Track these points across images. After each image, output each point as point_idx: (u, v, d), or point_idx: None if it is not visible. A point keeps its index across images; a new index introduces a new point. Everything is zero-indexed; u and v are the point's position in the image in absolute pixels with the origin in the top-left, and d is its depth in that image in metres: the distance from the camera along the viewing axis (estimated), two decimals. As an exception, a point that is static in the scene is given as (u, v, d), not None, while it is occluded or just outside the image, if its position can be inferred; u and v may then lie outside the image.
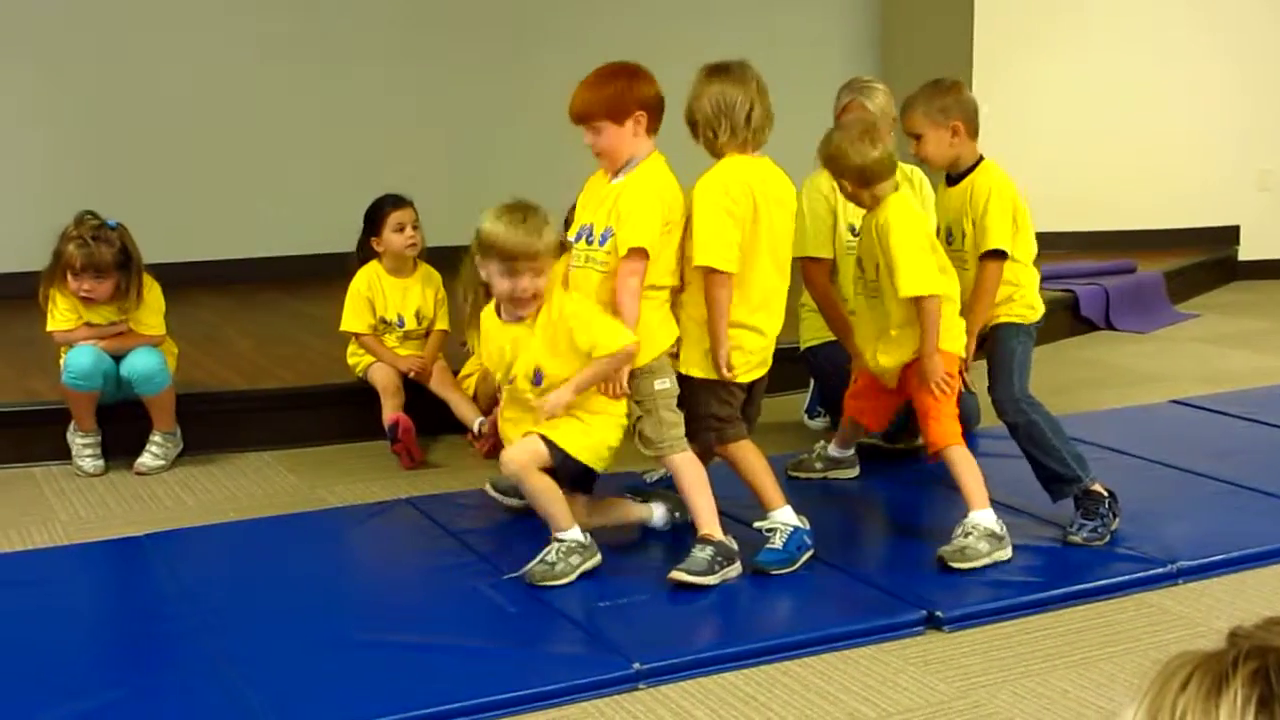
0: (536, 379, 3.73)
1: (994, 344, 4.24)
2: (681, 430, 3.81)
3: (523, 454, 3.73)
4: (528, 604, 3.61)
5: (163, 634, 3.49)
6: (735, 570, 3.75)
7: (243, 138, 7.94)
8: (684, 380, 3.85)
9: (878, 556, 3.91)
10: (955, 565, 3.80)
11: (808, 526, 3.87)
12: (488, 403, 4.99)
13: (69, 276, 4.84)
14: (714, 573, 3.68)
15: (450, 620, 3.56)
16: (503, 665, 3.29)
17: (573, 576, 3.66)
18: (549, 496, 3.75)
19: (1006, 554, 3.87)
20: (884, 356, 4.10)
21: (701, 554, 3.70)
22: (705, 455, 3.90)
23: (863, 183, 3.99)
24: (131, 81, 7.67)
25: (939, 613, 3.53)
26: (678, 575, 3.66)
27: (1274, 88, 8.80)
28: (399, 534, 4.32)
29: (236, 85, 7.90)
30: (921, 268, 3.92)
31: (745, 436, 3.91)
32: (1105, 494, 4.11)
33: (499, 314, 3.81)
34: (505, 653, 3.36)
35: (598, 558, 3.75)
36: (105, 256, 4.83)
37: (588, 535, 3.77)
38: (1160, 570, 3.82)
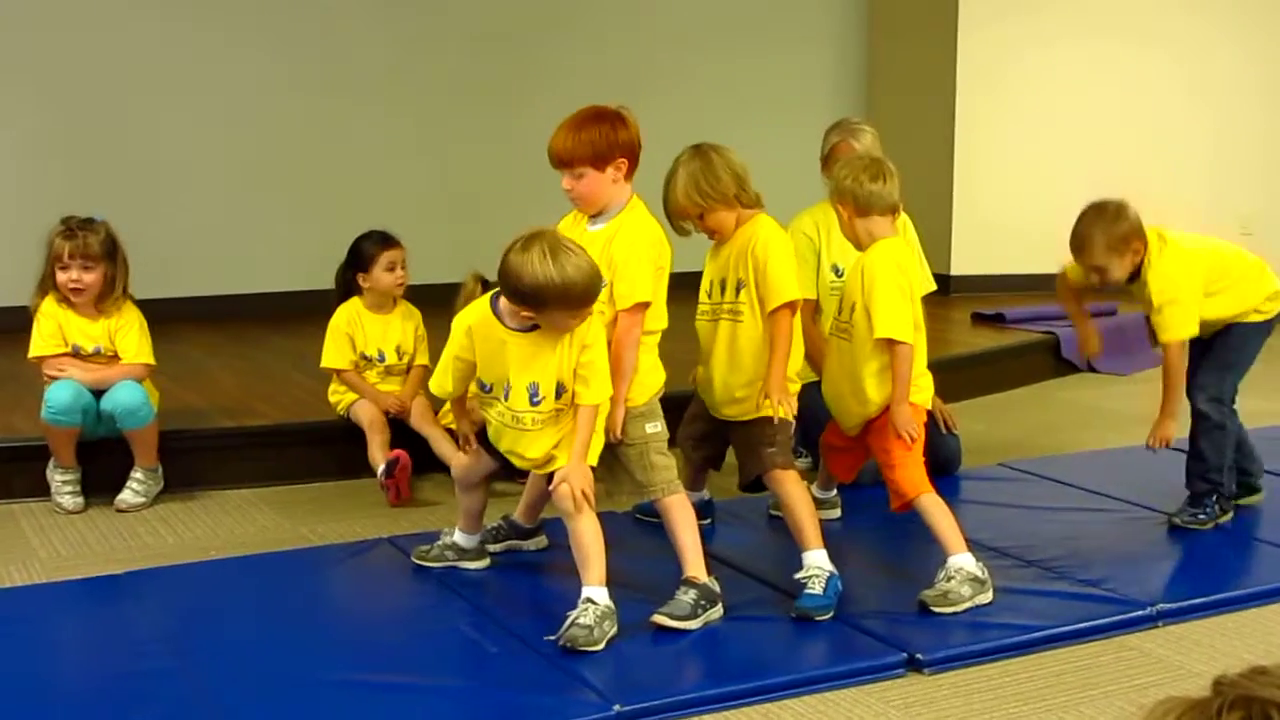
0: (559, 391, 3.63)
1: (1232, 337, 4.48)
2: (672, 473, 3.84)
3: (582, 488, 3.63)
4: (508, 644, 3.60)
5: (141, 673, 3.47)
6: (717, 613, 3.74)
7: (230, 173, 7.95)
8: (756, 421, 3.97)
9: (858, 598, 3.90)
10: (938, 610, 3.81)
11: (836, 571, 3.88)
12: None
13: (57, 273, 4.86)
14: (696, 617, 3.68)
15: (431, 660, 3.55)
16: (483, 706, 3.28)
17: (604, 645, 3.53)
18: (596, 541, 3.64)
19: (988, 597, 3.87)
20: (847, 414, 4.13)
21: (685, 597, 3.70)
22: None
23: (859, 211, 4.02)
24: (116, 117, 7.68)
25: (919, 655, 3.53)
26: (660, 619, 3.66)
27: (1255, 134, 8.88)
28: (380, 573, 4.31)
29: (223, 122, 7.92)
30: (899, 314, 3.95)
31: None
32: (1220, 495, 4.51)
33: (499, 318, 3.63)
34: (485, 694, 3.35)
35: (617, 627, 3.62)
36: (93, 245, 4.88)
37: (612, 599, 3.65)
38: (1140, 613, 3.83)
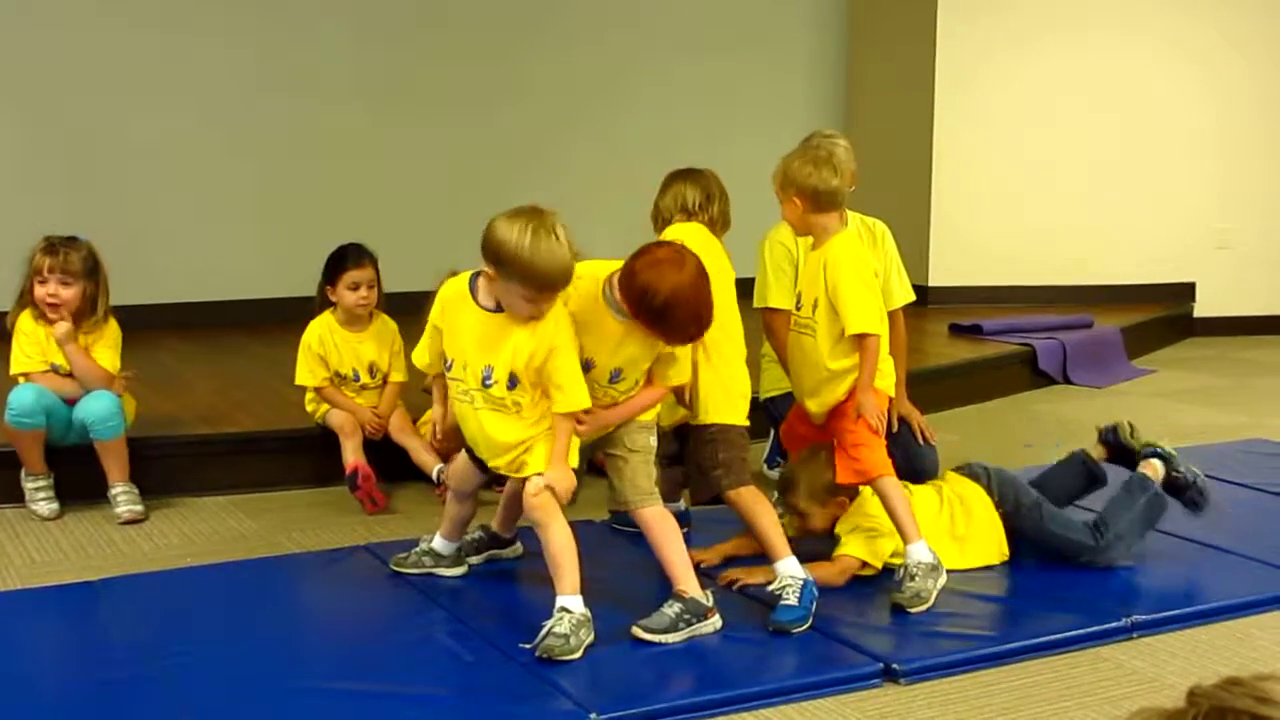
0: (512, 382, 3.64)
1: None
2: (654, 484, 3.85)
3: (547, 494, 3.66)
4: (485, 653, 3.60)
5: (116, 681, 3.45)
6: (709, 627, 3.70)
7: (204, 179, 7.93)
8: (700, 430, 4.06)
9: (834, 607, 3.91)
10: (913, 610, 3.87)
11: (810, 577, 3.89)
12: (447, 448, 4.98)
13: (35, 287, 4.84)
14: (677, 630, 3.65)
15: (406, 669, 3.54)
16: (459, 715, 3.28)
17: (581, 653, 3.53)
18: (569, 550, 3.64)
19: (944, 579, 3.98)
20: (814, 403, 4.17)
21: (668, 610, 3.67)
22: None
23: (817, 207, 4.04)
24: (88, 122, 7.65)
25: (895, 665, 3.54)
26: (638, 631, 3.64)
27: (1232, 148, 8.93)
28: (356, 581, 4.29)
29: (199, 127, 7.90)
30: (868, 306, 4.02)
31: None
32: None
33: (473, 293, 3.67)
34: (461, 702, 3.34)
35: (594, 635, 3.61)
36: (73, 262, 4.87)
37: (587, 607, 3.63)
38: (1115, 624, 3.84)
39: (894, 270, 5.07)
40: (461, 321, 3.69)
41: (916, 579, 3.93)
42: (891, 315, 4.63)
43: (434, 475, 5.04)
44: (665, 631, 3.64)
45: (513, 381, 3.64)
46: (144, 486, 5.02)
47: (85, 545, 4.64)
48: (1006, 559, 4.31)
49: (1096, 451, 4.70)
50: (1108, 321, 8.25)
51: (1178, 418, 6.74)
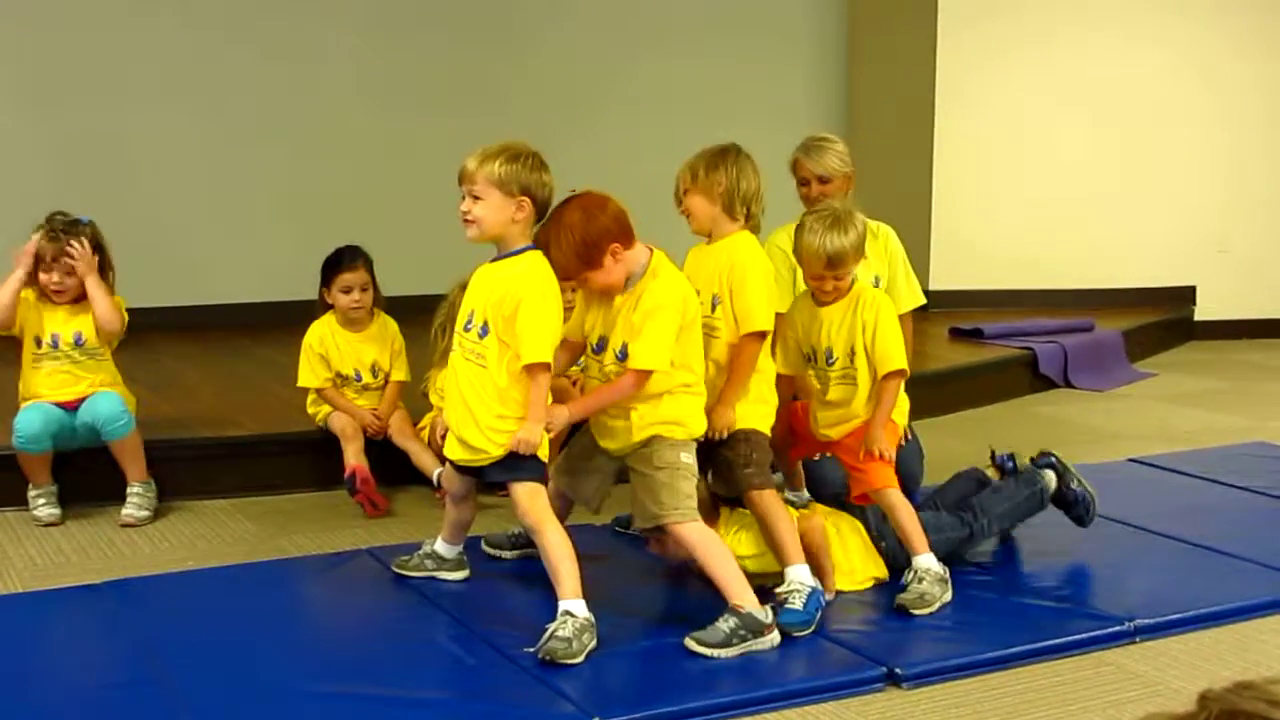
0: (484, 330, 3.70)
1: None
2: (695, 502, 3.77)
3: (537, 500, 3.70)
4: (486, 656, 3.60)
5: (118, 683, 3.45)
6: (766, 643, 3.65)
7: (206, 181, 7.93)
8: (729, 436, 3.97)
9: (836, 611, 3.91)
10: (916, 612, 3.89)
11: (819, 586, 3.88)
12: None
13: (39, 273, 4.84)
14: (731, 645, 3.60)
15: (408, 672, 3.54)
16: (460, 718, 3.28)
17: (583, 657, 3.52)
18: (566, 555, 3.63)
19: (949, 595, 4.00)
20: (834, 431, 4.18)
21: (723, 625, 3.63)
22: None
23: (829, 266, 4.04)
24: (94, 126, 7.65)
25: (898, 669, 3.54)
26: (690, 644, 3.61)
27: (1233, 153, 8.94)
28: (358, 585, 4.29)
29: (201, 129, 7.89)
30: (902, 346, 4.11)
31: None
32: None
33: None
34: (463, 705, 3.35)
35: (597, 639, 3.60)
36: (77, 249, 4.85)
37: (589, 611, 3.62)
38: (1118, 629, 3.84)
39: (900, 273, 5.02)
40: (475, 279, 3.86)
41: (924, 582, 3.95)
42: (900, 319, 4.59)
43: (434, 478, 5.03)
44: (719, 646, 3.60)
45: (484, 330, 3.69)
46: (145, 490, 5.03)
47: (87, 548, 4.64)
48: (886, 579, 4.19)
49: (991, 472, 4.67)
50: (1109, 325, 8.25)
51: (1178, 421, 6.74)
